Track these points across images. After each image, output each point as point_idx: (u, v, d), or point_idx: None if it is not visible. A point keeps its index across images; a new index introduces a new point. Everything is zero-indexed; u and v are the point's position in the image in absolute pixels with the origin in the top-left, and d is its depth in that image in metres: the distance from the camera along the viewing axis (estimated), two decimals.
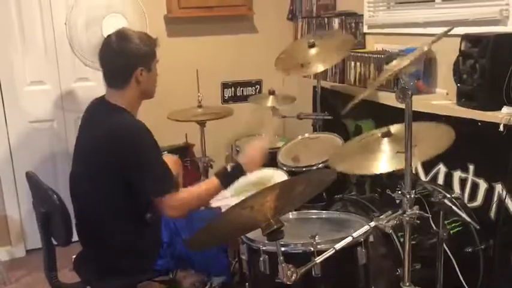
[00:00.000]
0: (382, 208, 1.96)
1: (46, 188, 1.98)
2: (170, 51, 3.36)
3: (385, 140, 1.83)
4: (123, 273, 2.00)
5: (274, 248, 1.50)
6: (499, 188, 2.17)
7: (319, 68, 2.79)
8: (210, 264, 2.11)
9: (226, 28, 3.86)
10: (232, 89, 3.99)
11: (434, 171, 2.49)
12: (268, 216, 1.45)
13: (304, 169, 2.43)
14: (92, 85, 3.31)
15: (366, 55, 3.01)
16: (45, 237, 2.04)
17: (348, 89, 3.12)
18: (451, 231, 2.07)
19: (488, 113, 2.18)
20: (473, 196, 2.30)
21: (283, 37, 3.91)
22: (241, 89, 4.01)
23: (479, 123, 2.20)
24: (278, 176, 2.43)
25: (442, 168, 2.45)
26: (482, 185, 2.26)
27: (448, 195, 1.93)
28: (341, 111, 3.06)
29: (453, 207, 1.89)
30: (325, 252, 1.52)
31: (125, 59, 1.96)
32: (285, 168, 2.49)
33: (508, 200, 2.13)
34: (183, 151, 3.32)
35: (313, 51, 2.80)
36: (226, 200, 2.26)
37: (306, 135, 2.79)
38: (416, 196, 1.62)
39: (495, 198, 2.19)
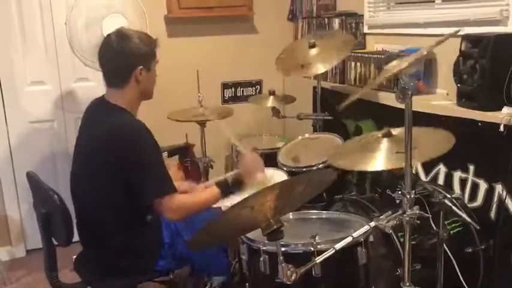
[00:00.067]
0: (382, 208, 1.96)
1: (47, 188, 1.99)
2: (170, 51, 3.36)
3: (385, 140, 1.83)
4: (124, 273, 2.00)
5: (274, 248, 1.50)
6: (499, 188, 2.17)
7: (320, 69, 2.78)
8: (211, 265, 2.12)
9: (226, 28, 3.87)
10: (233, 89, 3.99)
11: (434, 171, 2.49)
12: (268, 216, 1.45)
13: (304, 169, 2.43)
14: (92, 85, 3.32)
15: (366, 55, 3.01)
16: (46, 238, 2.04)
17: (348, 89, 3.12)
18: (451, 232, 2.07)
19: (489, 113, 2.18)
20: (473, 196, 2.30)
21: (283, 37, 3.91)
22: (241, 89, 4.02)
23: (480, 124, 2.20)
24: (278, 176, 2.43)
25: (442, 169, 2.45)
26: (483, 185, 2.26)
27: (448, 196, 1.92)
28: (341, 111, 3.08)
29: (453, 207, 1.89)
30: (325, 252, 1.52)
31: (124, 58, 1.96)
32: (285, 169, 2.49)
33: (508, 201, 2.13)
34: (183, 151, 3.33)
35: (313, 51, 2.80)
36: (226, 199, 2.26)
37: (306, 135, 2.80)
38: (416, 196, 1.62)
39: (495, 199, 2.19)
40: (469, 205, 2.28)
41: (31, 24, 3.29)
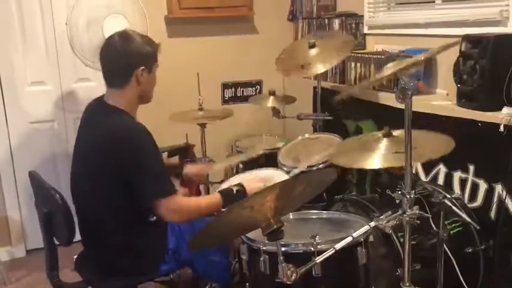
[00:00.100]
0: (382, 208, 1.96)
1: (48, 188, 1.99)
2: (171, 51, 3.36)
3: (385, 139, 1.83)
4: (124, 273, 2.00)
5: (275, 248, 1.51)
6: (499, 188, 2.17)
7: (320, 69, 2.79)
8: (212, 272, 2.12)
9: (226, 29, 3.87)
10: (233, 89, 4.00)
11: (434, 171, 2.49)
12: (269, 216, 1.46)
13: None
14: (93, 85, 3.32)
15: (366, 56, 3.01)
16: (47, 237, 2.05)
17: (348, 89, 3.12)
18: (451, 232, 2.07)
19: (489, 113, 2.18)
20: (473, 196, 2.31)
21: (283, 38, 3.92)
22: (241, 89, 4.02)
23: (480, 124, 2.21)
24: (278, 176, 2.43)
25: (442, 169, 2.45)
26: (483, 186, 2.26)
27: (448, 196, 1.93)
28: (341, 111, 3.09)
29: (453, 207, 1.90)
30: (326, 252, 1.52)
31: (127, 57, 1.97)
32: (285, 169, 2.49)
33: (508, 201, 2.13)
34: (184, 151, 3.32)
35: (313, 51, 2.80)
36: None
37: (306, 135, 2.79)
38: (416, 196, 1.63)
39: (495, 199, 2.19)
40: (469, 205, 2.28)
41: (31, 24, 3.29)
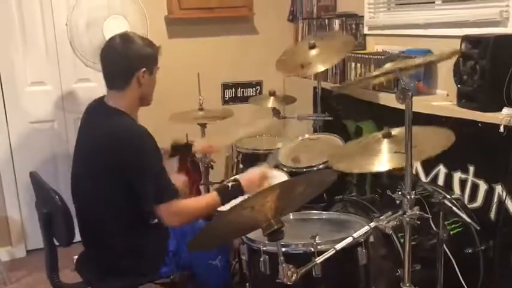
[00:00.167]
0: (383, 209, 1.96)
1: (48, 189, 1.99)
2: (171, 52, 3.36)
3: (385, 140, 1.83)
4: (124, 274, 2.00)
5: (275, 248, 1.51)
6: (499, 189, 2.17)
7: (319, 68, 2.79)
8: (212, 277, 2.11)
9: (226, 29, 3.87)
10: (233, 89, 4.00)
11: (434, 172, 2.49)
12: (269, 217, 1.46)
13: (304, 170, 2.43)
14: (93, 86, 3.32)
15: (366, 56, 3.01)
16: (47, 238, 2.05)
17: (349, 89, 3.12)
18: (451, 232, 2.07)
19: (489, 114, 2.18)
20: (473, 197, 2.31)
21: (283, 38, 3.92)
22: (241, 89, 4.02)
23: (480, 124, 2.21)
24: (278, 176, 2.43)
25: (442, 169, 2.45)
26: (482, 186, 2.26)
27: (448, 196, 1.93)
28: (342, 112, 3.09)
29: (453, 208, 1.90)
30: (326, 253, 1.52)
31: (128, 59, 1.97)
32: (285, 169, 2.49)
33: (508, 201, 2.13)
34: (184, 152, 3.32)
35: (313, 52, 2.81)
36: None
37: (307, 136, 2.80)
38: (416, 197, 1.63)
39: (495, 199, 2.19)
40: (469, 206, 2.28)
41: (32, 25, 3.30)
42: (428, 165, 2.49)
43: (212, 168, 3.23)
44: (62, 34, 3.10)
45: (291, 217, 1.99)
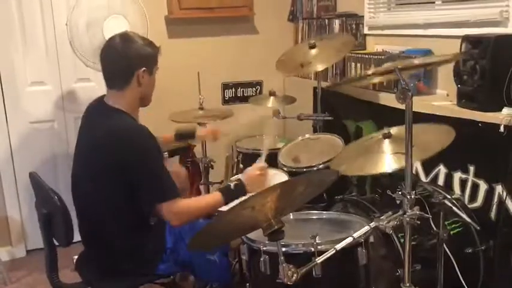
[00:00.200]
0: (383, 209, 1.96)
1: (47, 189, 1.99)
2: (171, 52, 3.36)
3: (386, 141, 1.83)
4: (124, 274, 2.00)
5: (275, 248, 1.51)
6: (499, 189, 2.17)
7: (319, 67, 2.80)
8: (212, 272, 2.11)
9: (227, 29, 3.87)
10: (233, 89, 4.00)
11: (434, 172, 2.49)
12: (269, 217, 1.46)
13: (304, 170, 2.43)
14: (93, 86, 3.32)
15: (367, 56, 3.02)
16: (47, 238, 2.05)
17: (349, 89, 3.12)
18: (451, 232, 2.07)
19: (489, 114, 2.18)
20: (473, 197, 2.31)
21: (283, 38, 3.92)
22: (241, 89, 4.02)
23: (480, 124, 2.21)
24: (279, 176, 2.43)
25: (442, 169, 2.45)
26: (483, 186, 2.26)
27: (449, 196, 1.93)
28: (342, 112, 3.09)
29: (453, 208, 1.90)
30: (326, 253, 1.52)
31: (127, 59, 1.97)
32: (285, 169, 2.49)
33: (508, 201, 2.13)
34: (184, 151, 3.33)
35: (313, 51, 2.81)
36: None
37: (307, 136, 2.80)
38: (416, 197, 1.63)
39: (495, 199, 2.19)
40: (469, 206, 2.28)
41: (32, 25, 3.29)
42: (429, 165, 2.49)
43: (212, 168, 3.24)
44: (62, 34, 3.10)
45: (291, 217, 1.99)
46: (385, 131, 1.86)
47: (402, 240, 1.86)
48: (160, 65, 2.08)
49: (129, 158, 1.87)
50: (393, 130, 1.85)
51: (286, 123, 3.88)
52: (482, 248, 2.14)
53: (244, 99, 3.96)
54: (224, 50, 3.87)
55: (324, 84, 3.21)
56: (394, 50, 2.88)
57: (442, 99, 2.57)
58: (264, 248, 1.70)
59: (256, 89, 4.06)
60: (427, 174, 2.54)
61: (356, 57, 3.08)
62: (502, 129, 2.10)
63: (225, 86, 3.97)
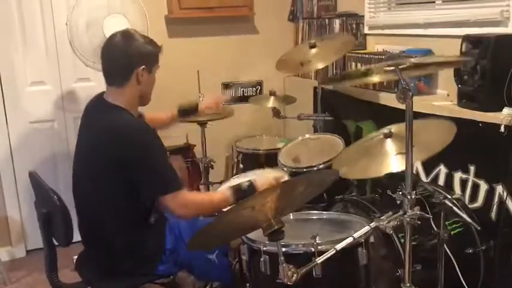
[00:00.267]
0: (383, 209, 1.96)
1: (47, 188, 1.99)
2: (171, 51, 3.35)
3: (388, 141, 1.83)
4: (124, 274, 2.00)
5: (275, 248, 1.50)
6: (499, 189, 2.17)
7: (318, 65, 2.80)
8: (211, 272, 2.11)
9: (227, 29, 3.87)
10: (233, 89, 4.00)
11: (435, 172, 2.49)
12: (269, 217, 1.45)
13: (304, 170, 2.43)
14: (93, 85, 3.32)
15: (367, 56, 3.01)
16: (46, 238, 2.05)
17: (349, 89, 3.12)
18: (452, 232, 2.07)
19: (489, 114, 2.18)
20: (474, 197, 2.30)
21: (283, 38, 3.92)
22: (241, 89, 4.02)
23: (480, 124, 2.20)
24: (279, 176, 2.43)
25: (442, 169, 2.45)
26: (483, 186, 2.25)
27: (449, 196, 1.92)
28: (342, 112, 3.09)
29: (454, 208, 1.90)
30: (326, 253, 1.52)
31: (128, 56, 1.97)
32: (285, 169, 2.49)
33: (508, 201, 2.13)
34: (184, 151, 3.33)
35: (313, 51, 2.81)
36: None
37: (307, 136, 2.79)
38: (417, 197, 1.62)
39: (496, 199, 2.19)
40: (469, 206, 2.28)
41: (32, 24, 3.29)
42: (429, 165, 2.49)
43: (212, 168, 3.24)
44: (62, 34, 3.09)
45: (291, 217, 1.98)
46: (386, 130, 1.86)
47: (402, 241, 1.86)
48: (160, 64, 2.08)
49: (129, 154, 1.87)
50: (393, 128, 1.85)
51: (287, 123, 3.88)
52: (483, 248, 2.14)
53: (244, 99, 3.96)
54: (224, 49, 3.87)
55: (321, 82, 3.21)
56: (395, 50, 2.87)
57: (443, 99, 2.57)
58: (264, 248, 1.70)
59: (256, 89, 4.06)
60: (427, 174, 2.53)
61: (356, 57, 3.07)
62: (502, 129, 2.10)
63: (225, 86, 3.97)
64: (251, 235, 1.75)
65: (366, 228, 1.62)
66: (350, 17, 3.33)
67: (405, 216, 1.60)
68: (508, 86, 2.15)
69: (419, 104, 2.34)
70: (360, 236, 1.63)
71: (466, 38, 2.28)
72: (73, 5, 2.89)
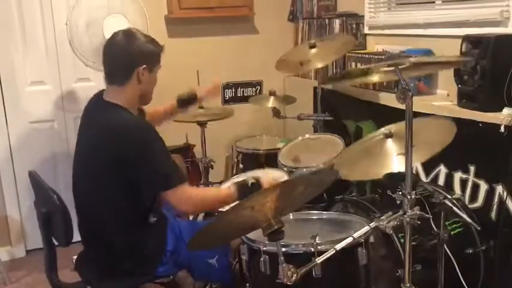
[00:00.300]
0: (383, 209, 1.96)
1: (47, 188, 1.99)
2: (171, 51, 3.35)
3: (388, 140, 1.83)
4: (124, 274, 1.99)
5: (275, 248, 1.50)
6: (499, 189, 2.17)
7: (318, 65, 2.80)
8: (211, 273, 2.10)
9: (227, 29, 3.87)
10: (233, 89, 3.99)
11: (435, 172, 2.49)
12: (269, 217, 1.45)
13: (304, 170, 2.43)
14: (93, 85, 3.31)
15: (367, 56, 3.01)
16: (46, 237, 2.05)
17: (349, 89, 3.12)
18: (452, 232, 2.07)
19: (489, 114, 2.18)
20: (474, 197, 2.30)
21: (283, 38, 3.92)
22: (241, 89, 4.01)
23: (480, 124, 2.20)
24: (279, 176, 2.43)
25: (442, 169, 2.45)
26: (483, 186, 2.25)
27: (449, 196, 1.92)
28: (342, 112, 3.09)
29: (454, 208, 1.89)
30: (326, 253, 1.52)
31: (129, 55, 1.97)
32: (285, 169, 2.49)
33: (508, 201, 2.13)
34: (184, 151, 3.33)
35: (313, 51, 2.82)
36: None
37: (307, 136, 2.79)
38: (417, 197, 1.62)
39: (496, 199, 2.19)
40: (469, 206, 2.28)
41: (32, 24, 3.29)
42: (429, 165, 2.49)
43: (212, 168, 3.24)
44: (62, 34, 3.09)
45: (291, 217, 1.98)
46: (385, 130, 1.86)
47: (402, 241, 1.85)
48: (161, 63, 2.08)
49: (128, 152, 1.87)
50: (393, 128, 1.85)
51: (287, 123, 3.88)
52: (483, 248, 2.14)
53: (244, 99, 3.95)
54: (224, 49, 3.86)
55: (321, 81, 3.21)
56: (395, 50, 2.87)
57: (443, 99, 2.57)
58: (264, 248, 1.70)
59: (256, 89, 4.04)
60: (427, 174, 2.53)
61: (356, 57, 3.07)
62: (502, 129, 2.10)
63: (225, 86, 3.96)
64: (251, 235, 1.75)
65: (366, 228, 1.62)
66: (350, 17, 3.33)
67: (405, 216, 1.60)
68: (508, 86, 2.15)
69: (419, 104, 2.35)
70: (360, 236, 1.63)
71: (466, 38, 2.28)
72: (73, 5, 2.89)
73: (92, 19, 2.88)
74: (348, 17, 3.34)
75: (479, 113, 2.21)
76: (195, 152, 3.41)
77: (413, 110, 1.57)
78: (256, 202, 1.42)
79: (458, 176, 2.37)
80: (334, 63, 3.33)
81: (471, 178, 2.31)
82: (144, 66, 1.97)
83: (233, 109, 3.27)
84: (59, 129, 3.47)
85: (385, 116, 2.65)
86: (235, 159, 3.07)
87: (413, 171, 1.81)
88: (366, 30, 3.26)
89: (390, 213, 1.62)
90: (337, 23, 3.40)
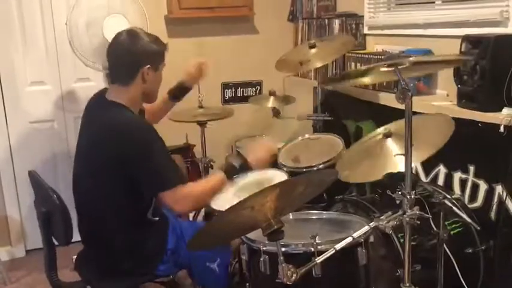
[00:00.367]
0: (383, 209, 1.96)
1: (47, 188, 1.99)
2: (171, 51, 3.34)
3: (388, 140, 1.83)
4: (124, 273, 2.00)
5: (275, 248, 1.50)
6: (499, 189, 2.17)
7: (317, 64, 2.81)
8: (209, 278, 2.10)
9: (227, 29, 3.87)
10: (233, 89, 4.00)
11: (434, 172, 2.49)
12: (269, 217, 1.45)
13: (304, 170, 2.43)
14: (93, 85, 3.32)
15: (367, 56, 3.01)
16: (46, 237, 2.05)
17: (349, 89, 3.12)
18: (452, 232, 2.07)
19: (489, 114, 2.18)
20: (473, 197, 2.30)
21: (283, 38, 3.92)
22: (241, 89, 4.02)
23: (480, 124, 2.20)
24: (278, 176, 2.43)
25: (442, 169, 2.45)
26: (483, 186, 2.26)
27: (449, 196, 1.92)
28: (342, 112, 3.09)
29: (453, 208, 1.89)
30: (326, 253, 1.52)
31: (133, 55, 1.98)
32: (285, 169, 2.49)
33: (508, 201, 2.13)
34: (184, 151, 3.33)
35: (313, 51, 2.82)
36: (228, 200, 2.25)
37: (307, 136, 2.79)
38: (416, 197, 1.62)
39: (495, 199, 2.19)
40: (469, 206, 2.28)
41: (32, 24, 3.29)
42: (429, 165, 2.49)
43: (212, 168, 3.23)
44: (62, 34, 3.09)
45: (291, 217, 1.98)
46: (384, 130, 1.86)
47: (402, 240, 1.86)
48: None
49: (129, 152, 1.87)
50: (392, 127, 1.85)
51: (286, 123, 3.88)
52: (483, 248, 2.14)
53: (244, 99, 3.96)
54: (224, 49, 3.87)
55: (321, 82, 3.22)
56: (394, 50, 2.87)
57: (442, 99, 2.57)
58: (264, 248, 1.70)
59: (256, 89, 4.06)
60: (427, 174, 2.54)
61: (356, 57, 3.07)
62: (502, 129, 2.10)
63: (225, 86, 3.97)
64: (251, 235, 1.75)
65: (366, 228, 1.62)
66: (350, 17, 3.33)
67: (405, 216, 1.61)
68: (507, 86, 2.15)
69: (419, 104, 2.35)
70: (360, 236, 1.63)
71: (466, 38, 2.28)
72: (73, 5, 2.89)
73: (92, 19, 2.88)
74: (347, 17, 3.34)
75: (479, 113, 2.21)
76: (195, 152, 3.41)
77: (412, 110, 1.57)
78: (256, 202, 1.42)
79: (457, 176, 2.37)
80: (334, 63, 3.34)
81: (471, 178, 2.31)
82: (149, 66, 1.98)
83: (233, 109, 3.27)
84: (59, 129, 3.47)
85: (385, 116, 2.64)
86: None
87: (413, 171, 1.81)
88: (366, 31, 3.26)
89: (390, 213, 1.62)
90: (336, 23, 3.40)
